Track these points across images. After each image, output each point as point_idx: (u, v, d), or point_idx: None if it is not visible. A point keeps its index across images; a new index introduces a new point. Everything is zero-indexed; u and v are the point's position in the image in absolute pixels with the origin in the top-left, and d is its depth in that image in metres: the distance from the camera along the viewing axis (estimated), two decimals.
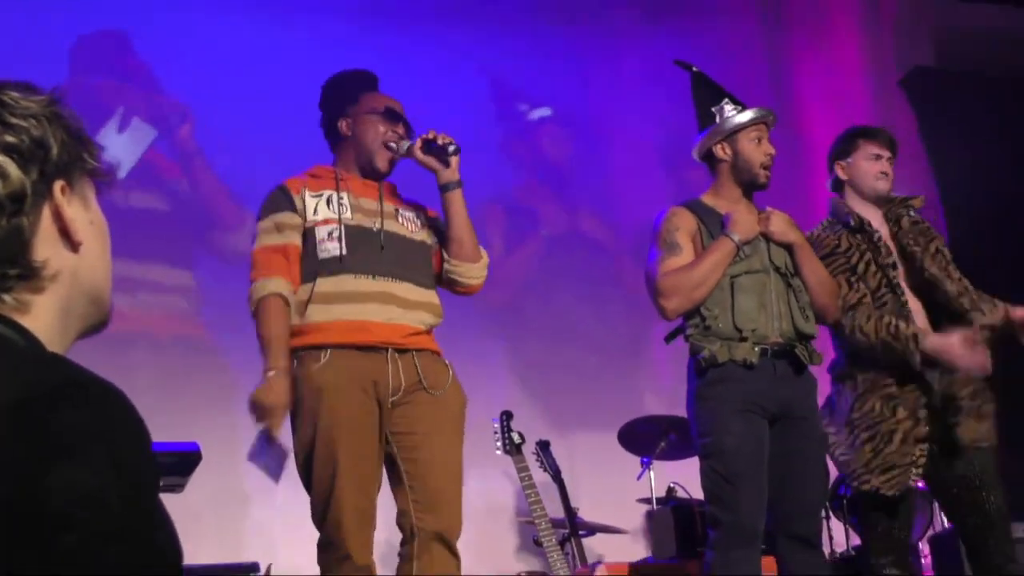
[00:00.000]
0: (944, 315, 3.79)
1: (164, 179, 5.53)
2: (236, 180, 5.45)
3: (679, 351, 3.71)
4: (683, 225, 3.64)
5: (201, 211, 5.59)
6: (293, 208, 3.27)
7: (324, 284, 3.21)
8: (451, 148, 3.33)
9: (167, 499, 1.13)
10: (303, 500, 3.13)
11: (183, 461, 3.76)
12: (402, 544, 3.17)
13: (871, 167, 3.89)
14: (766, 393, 3.50)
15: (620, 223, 6.09)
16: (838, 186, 3.96)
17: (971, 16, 7.52)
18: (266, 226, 3.27)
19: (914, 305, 3.77)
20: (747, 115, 3.67)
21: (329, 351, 3.15)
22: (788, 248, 3.65)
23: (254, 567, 4.15)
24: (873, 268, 3.78)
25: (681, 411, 4.64)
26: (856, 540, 5.01)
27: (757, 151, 3.66)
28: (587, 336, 6.02)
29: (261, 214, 3.32)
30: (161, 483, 1.35)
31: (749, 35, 6.96)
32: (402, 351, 3.23)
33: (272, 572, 4.07)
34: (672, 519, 4.87)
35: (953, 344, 3.57)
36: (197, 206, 5.59)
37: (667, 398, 4.91)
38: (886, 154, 3.92)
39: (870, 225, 3.85)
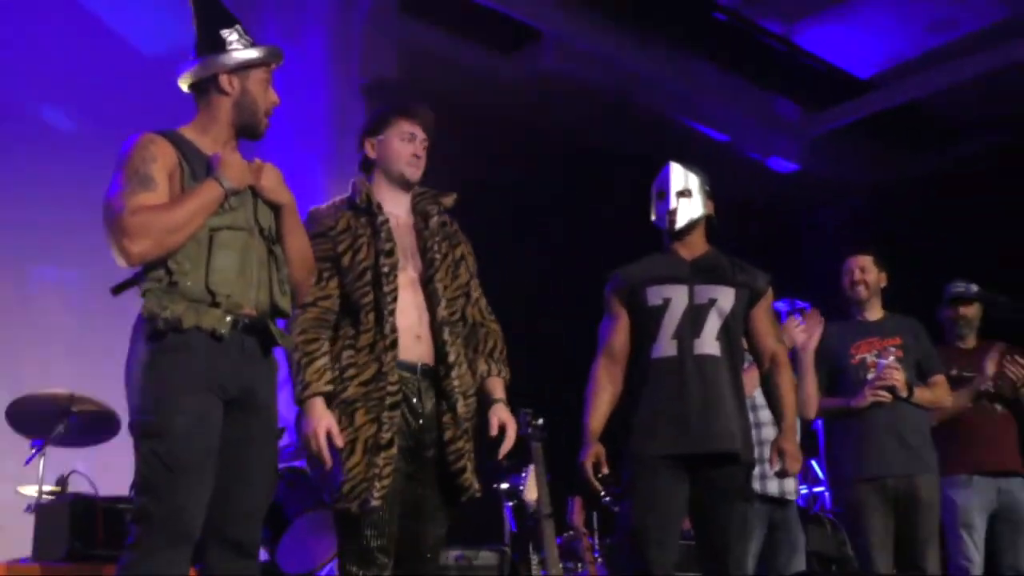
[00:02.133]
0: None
1: None
2: None
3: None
4: (161, 157, 3.02)
5: None
6: None
7: None
8: None
9: None
10: None
11: None
12: None
13: (404, 148, 3.58)
14: (229, 371, 3.00)
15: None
16: (367, 166, 3.62)
17: (429, 38, 7.64)
18: None
19: (415, 299, 3.49)
20: (261, 51, 3.16)
21: None
22: (276, 209, 3.18)
23: None
24: (363, 255, 3.46)
25: (91, 388, 4.06)
26: None
27: (265, 95, 3.18)
28: None
29: None
30: None
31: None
32: None
33: None
34: (66, 515, 4.17)
35: (319, 430, 3.30)
36: None
37: (78, 370, 4.21)
38: (421, 135, 3.62)
39: (379, 208, 3.53)
